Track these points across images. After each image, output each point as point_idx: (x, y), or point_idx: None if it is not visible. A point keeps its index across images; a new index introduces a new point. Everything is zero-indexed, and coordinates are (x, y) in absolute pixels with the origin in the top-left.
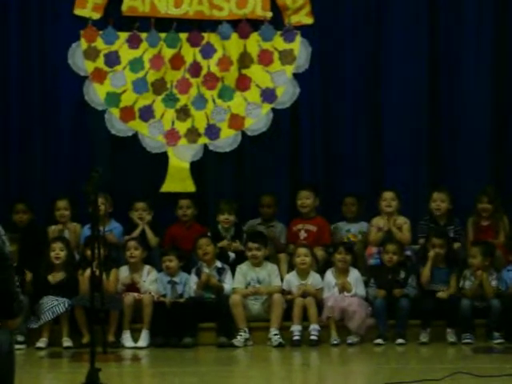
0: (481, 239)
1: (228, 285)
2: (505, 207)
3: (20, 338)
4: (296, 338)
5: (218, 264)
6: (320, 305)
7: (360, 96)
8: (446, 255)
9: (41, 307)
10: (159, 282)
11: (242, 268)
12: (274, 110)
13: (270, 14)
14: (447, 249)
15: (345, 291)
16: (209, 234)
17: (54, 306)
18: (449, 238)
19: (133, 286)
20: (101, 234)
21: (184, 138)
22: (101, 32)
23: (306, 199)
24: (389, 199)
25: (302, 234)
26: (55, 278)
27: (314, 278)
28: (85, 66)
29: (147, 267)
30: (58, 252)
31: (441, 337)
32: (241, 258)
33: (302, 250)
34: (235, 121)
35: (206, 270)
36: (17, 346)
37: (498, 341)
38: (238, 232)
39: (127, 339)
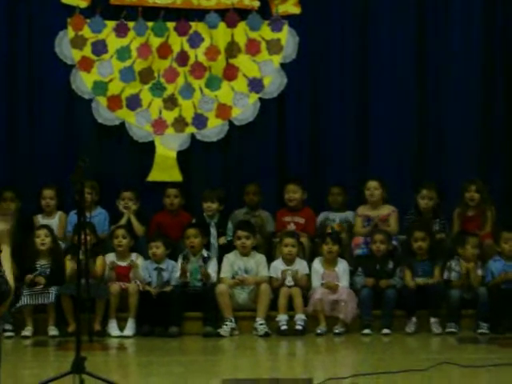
0: (467, 230)
1: (213, 272)
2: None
3: (8, 327)
4: (283, 327)
5: (204, 253)
6: (306, 293)
7: (347, 86)
8: (429, 247)
9: (24, 291)
10: (145, 269)
11: (230, 257)
12: (261, 99)
13: (257, 4)
14: (430, 241)
15: (331, 289)
16: (194, 221)
17: (36, 293)
18: (431, 231)
19: (122, 272)
20: (87, 221)
21: (171, 127)
22: (88, 20)
23: (293, 193)
24: (372, 188)
25: (291, 227)
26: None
27: (300, 265)
28: (72, 55)
29: (134, 255)
30: (43, 238)
31: (426, 327)
32: (224, 249)
33: (289, 240)
34: (222, 110)
35: (192, 258)
36: (6, 335)
37: (482, 330)
38: (223, 220)
39: (113, 328)
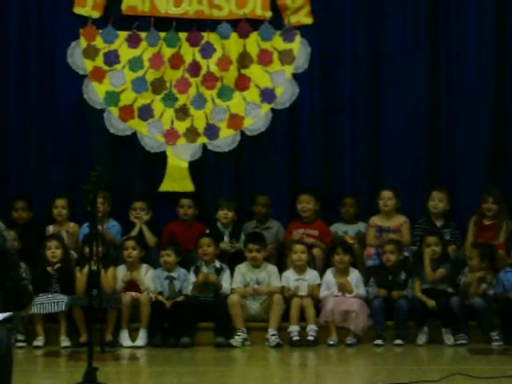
0: (482, 238)
1: (226, 284)
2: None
3: (20, 337)
4: (295, 338)
5: (217, 264)
6: (317, 303)
7: (359, 96)
8: (440, 256)
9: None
10: (156, 278)
11: (241, 268)
12: (273, 110)
13: (269, 14)
14: (442, 249)
15: (346, 292)
16: (207, 231)
17: (46, 302)
18: (443, 238)
19: (132, 284)
20: (99, 232)
21: (183, 137)
22: (100, 31)
23: (306, 204)
24: (386, 198)
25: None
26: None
27: (311, 275)
28: (84, 65)
29: (145, 266)
30: (53, 250)
31: (438, 338)
32: (238, 257)
33: (298, 247)
34: (234, 120)
35: (204, 269)
36: (18, 345)
37: (497, 343)
38: (236, 230)
39: (125, 338)
